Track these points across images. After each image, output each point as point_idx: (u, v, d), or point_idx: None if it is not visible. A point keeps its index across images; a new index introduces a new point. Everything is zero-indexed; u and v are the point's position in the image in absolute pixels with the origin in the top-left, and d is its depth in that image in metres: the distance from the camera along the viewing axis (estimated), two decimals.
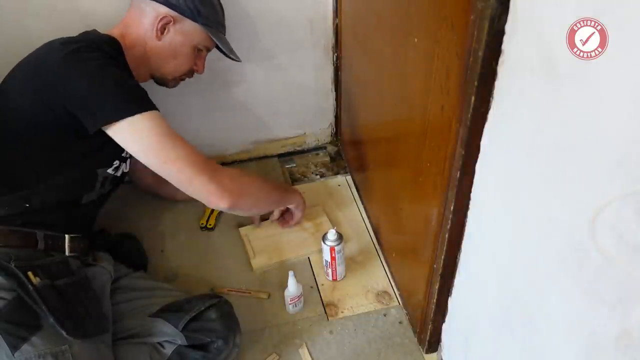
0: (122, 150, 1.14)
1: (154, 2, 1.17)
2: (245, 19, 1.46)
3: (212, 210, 1.57)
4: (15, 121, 1.06)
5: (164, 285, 1.28)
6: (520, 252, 0.77)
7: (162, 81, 1.29)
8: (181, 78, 1.31)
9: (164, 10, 1.17)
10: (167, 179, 1.09)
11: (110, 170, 1.16)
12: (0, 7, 1.29)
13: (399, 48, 1.06)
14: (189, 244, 1.50)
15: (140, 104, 1.04)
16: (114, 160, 1.17)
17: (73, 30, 1.21)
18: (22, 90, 1.06)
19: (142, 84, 1.32)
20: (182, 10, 1.18)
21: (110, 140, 1.05)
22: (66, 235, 1.09)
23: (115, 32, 1.17)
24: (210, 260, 1.45)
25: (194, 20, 1.20)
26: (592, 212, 0.58)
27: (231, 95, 1.62)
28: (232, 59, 1.32)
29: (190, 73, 1.31)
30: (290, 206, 1.42)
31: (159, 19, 1.17)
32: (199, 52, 1.28)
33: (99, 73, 1.03)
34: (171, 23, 1.18)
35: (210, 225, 1.53)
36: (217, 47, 1.28)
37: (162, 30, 1.18)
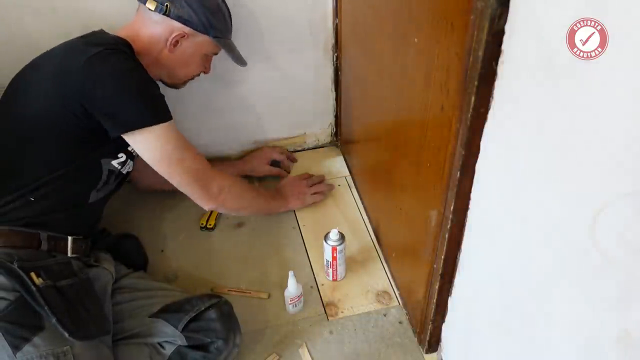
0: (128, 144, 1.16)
1: (168, 18, 1.18)
2: (245, 19, 1.46)
3: (212, 211, 1.57)
4: (30, 119, 1.07)
5: (164, 285, 1.28)
6: (520, 252, 0.77)
7: (172, 85, 1.33)
8: (190, 79, 1.36)
9: (178, 25, 1.19)
10: (167, 179, 1.18)
11: (115, 163, 1.17)
12: (0, 5, 1.29)
13: (399, 48, 1.06)
14: (189, 244, 1.50)
15: (160, 114, 1.10)
16: (119, 153, 1.18)
17: (73, 30, 1.21)
18: (41, 90, 1.07)
19: None
20: (196, 25, 1.21)
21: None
22: (69, 237, 1.10)
23: (123, 35, 1.17)
24: (210, 260, 1.45)
25: (206, 33, 1.23)
26: (592, 212, 0.58)
27: (231, 95, 1.62)
28: (239, 65, 1.37)
29: (198, 74, 1.36)
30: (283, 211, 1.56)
31: (173, 34, 1.19)
32: (206, 57, 1.32)
33: (123, 78, 1.06)
34: (184, 37, 1.21)
35: (210, 225, 1.53)
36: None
37: (175, 44, 1.21)
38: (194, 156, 1.18)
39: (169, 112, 1.13)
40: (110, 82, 1.04)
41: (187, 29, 1.20)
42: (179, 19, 1.18)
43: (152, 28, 1.19)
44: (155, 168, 1.14)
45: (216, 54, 1.34)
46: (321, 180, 1.65)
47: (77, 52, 1.06)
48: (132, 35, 1.17)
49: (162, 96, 1.13)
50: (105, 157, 1.15)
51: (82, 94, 1.03)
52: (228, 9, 1.31)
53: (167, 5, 1.16)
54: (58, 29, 1.32)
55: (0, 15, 1.30)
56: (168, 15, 1.17)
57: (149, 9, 1.16)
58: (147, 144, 1.10)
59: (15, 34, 1.33)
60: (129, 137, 1.09)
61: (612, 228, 0.56)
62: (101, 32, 1.18)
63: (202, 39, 1.24)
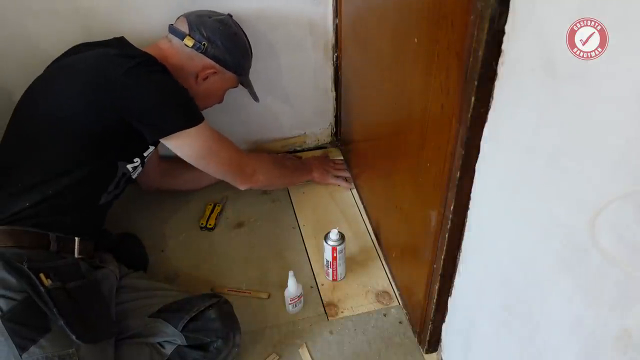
0: (145, 149, 1.22)
1: (203, 55, 1.24)
2: (245, 19, 1.46)
3: (212, 210, 1.57)
4: (56, 122, 1.09)
5: (164, 285, 1.28)
6: (521, 252, 0.77)
7: None
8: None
9: (211, 63, 1.27)
10: (205, 171, 1.29)
11: (129, 167, 1.20)
12: (1, 7, 1.29)
13: (399, 48, 1.06)
14: (189, 244, 1.50)
15: (195, 117, 1.17)
16: (135, 157, 1.21)
17: (73, 31, 1.21)
18: (71, 96, 1.09)
19: None
20: (228, 65, 1.30)
21: (136, 138, 1.13)
22: (76, 238, 1.10)
23: (152, 53, 1.18)
24: (210, 260, 1.45)
25: (235, 72, 1.33)
26: (592, 212, 0.58)
27: (231, 95, 1.62)
28: (254, 100, 1.47)
29: (212, 105, 1.42)
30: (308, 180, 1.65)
31: (206, 71, 1.27)
32: (226, 90, 1.41)
33: (161, 89, 1.11)
34: (215, 73, 1.30)
35: (210, 225, 1.53)
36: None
37: (205, 78, 1.28)
38: (227, 147, 1.28)
39: (201, 113, 1.19)
40: (150, 93, 1.09)
41: (218, 67, 1.28)
42: (214, 58, 1.26)
43: (185, 60, 1.25)
44: (193, 163, 1.24)
45: (235, 87, 1.40)
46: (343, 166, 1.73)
47: (113, 64, 1.10)
48: (160, 59, 1.18)
49: (193, 99, 1.19)
50: (121, 160, 1.18)
51: (122, 104, 1.08)
52: (251, 47, 1.38)
53: (204, 45, 1.23)
54: (58, 30, 1.32)
55: (1, 17, 1.30)
56: (205, 54, 1.24)
57: (186, 45, 1.22)
58: (184, 144, 1.18)
59: (16, 34, 1.33)
60: (167, 141, 1.16)
61: (612, 228, 0.56)
62: (124, 41, 1.21)
63: (229, 75, 1.33)
